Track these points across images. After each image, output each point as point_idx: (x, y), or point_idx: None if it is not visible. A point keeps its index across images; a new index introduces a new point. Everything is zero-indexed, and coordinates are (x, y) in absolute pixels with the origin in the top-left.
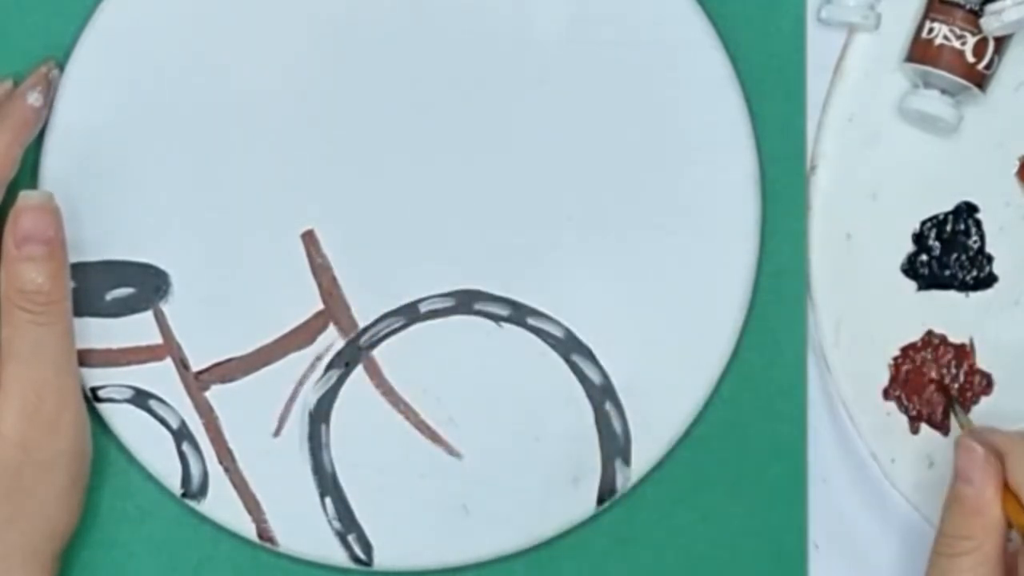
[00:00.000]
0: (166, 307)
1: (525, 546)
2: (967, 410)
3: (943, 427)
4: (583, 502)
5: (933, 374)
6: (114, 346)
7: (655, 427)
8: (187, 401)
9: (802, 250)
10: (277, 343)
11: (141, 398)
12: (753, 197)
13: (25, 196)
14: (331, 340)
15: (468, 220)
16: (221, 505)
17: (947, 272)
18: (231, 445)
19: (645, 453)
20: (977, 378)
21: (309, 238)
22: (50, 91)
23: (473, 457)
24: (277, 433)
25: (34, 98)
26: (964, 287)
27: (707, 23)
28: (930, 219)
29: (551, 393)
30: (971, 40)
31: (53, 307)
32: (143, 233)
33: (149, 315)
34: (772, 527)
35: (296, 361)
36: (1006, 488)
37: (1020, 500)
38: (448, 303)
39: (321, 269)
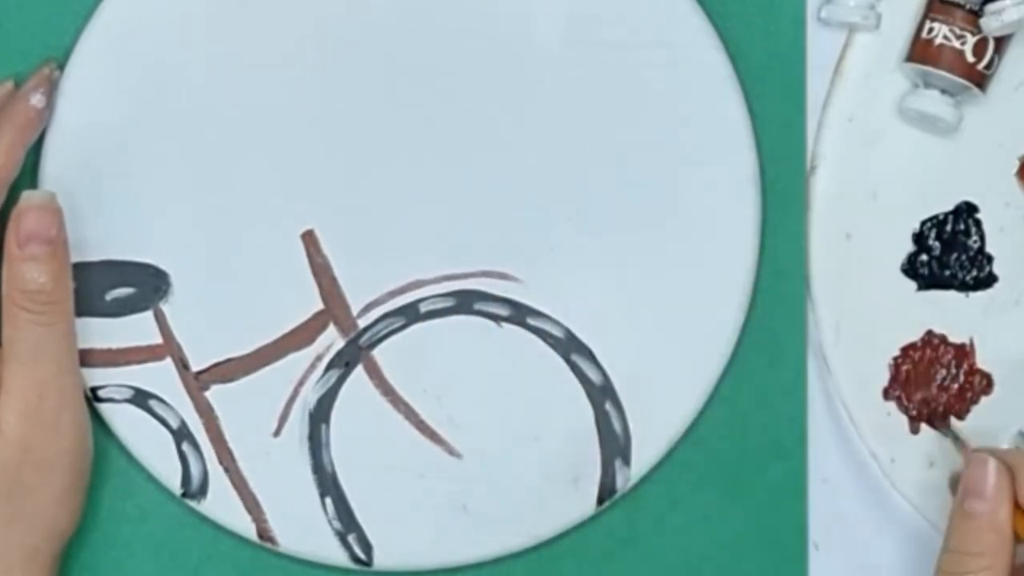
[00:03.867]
0: (166, 307)
1: (525, 546)
2: (967, 410)
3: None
4: (583, 502)
5: (933, 374)
6: (114, 346)
7: (655, 427)
8: (187, 401)
9: (802, 250)
10: (277, 343)
11: (141, 398)
12: (753, 197)
13: (28, 196)
14: (331, 340)
15: (468, 220)
16: (221, 505)
17: (947, 272)
18: (231, 445)
19: (645, 453)
20: (977, 378)
21: (309, 238)
22: (52, 92)
23: (473, 457)
24: (277, 433)
25: (37, 99)
26: (964, 287)
27: (707, 23)
28: (930, 219)
29: (551, 393)
30: (971, 40)
31: (55, 307)
32: (143, 233)
33: (149, 315)
34: (772, 527)
35: (296, 361)
36: (1015, 504)
37: None
38: (448, 303)
39: (321, 269)
